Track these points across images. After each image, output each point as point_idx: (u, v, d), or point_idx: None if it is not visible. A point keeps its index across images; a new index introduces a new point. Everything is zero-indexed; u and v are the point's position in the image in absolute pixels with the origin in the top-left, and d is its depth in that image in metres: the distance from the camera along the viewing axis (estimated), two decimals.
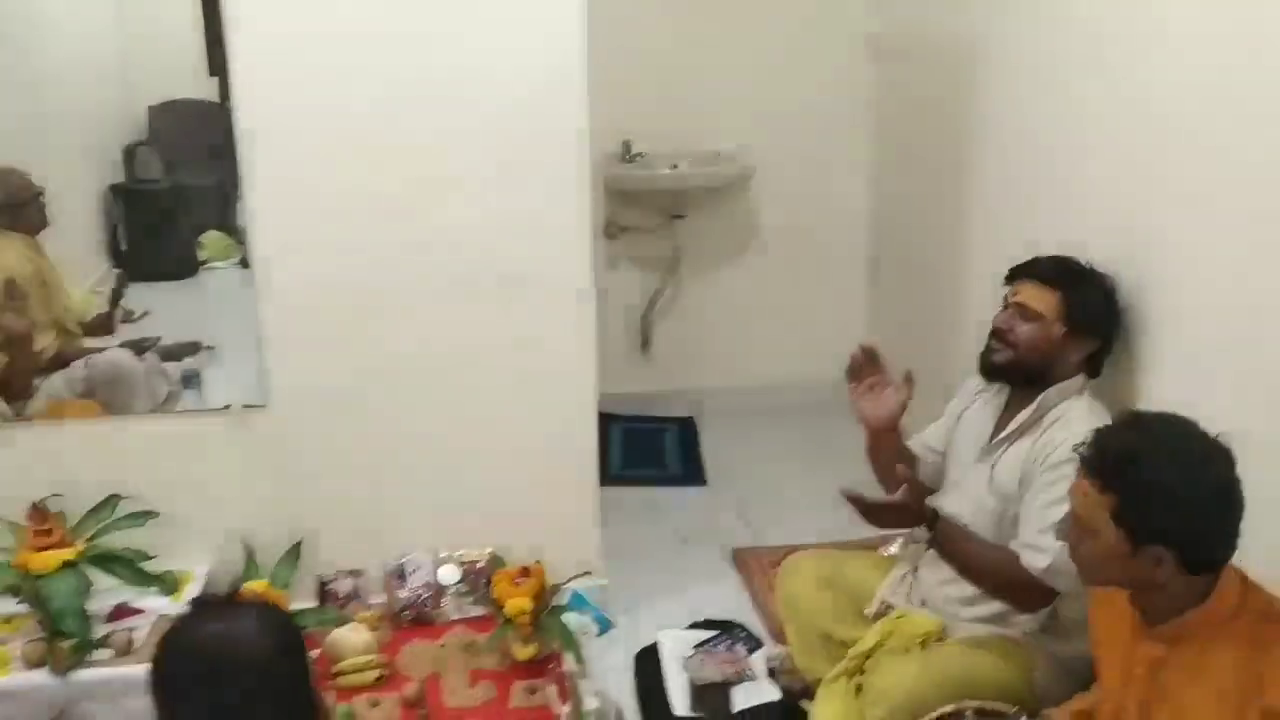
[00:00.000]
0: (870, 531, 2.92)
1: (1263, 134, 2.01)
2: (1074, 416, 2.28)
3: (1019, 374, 2.38)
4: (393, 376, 2.84)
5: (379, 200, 2.72)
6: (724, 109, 4.20)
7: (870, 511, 2.35)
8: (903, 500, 2.30)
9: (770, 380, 4.41)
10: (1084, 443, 1.77)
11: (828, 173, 4.30)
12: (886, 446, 2.55)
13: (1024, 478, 2.32)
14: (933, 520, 2.32)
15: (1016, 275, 2.41)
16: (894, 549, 2.73)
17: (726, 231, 4.37)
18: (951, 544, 2.37)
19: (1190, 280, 2.24)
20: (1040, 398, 2.34)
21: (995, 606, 2.38)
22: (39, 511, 2.56)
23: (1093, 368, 2.38)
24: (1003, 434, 2.40)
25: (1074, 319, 2.33)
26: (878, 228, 4.32)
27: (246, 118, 2.64)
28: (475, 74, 2.66)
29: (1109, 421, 2.01)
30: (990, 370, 2.43)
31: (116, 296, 2.95)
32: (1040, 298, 2.34)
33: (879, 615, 2.57)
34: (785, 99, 4.19)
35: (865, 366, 2.53)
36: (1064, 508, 2.16)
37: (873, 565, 2.75)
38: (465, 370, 2.86)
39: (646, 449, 4.17)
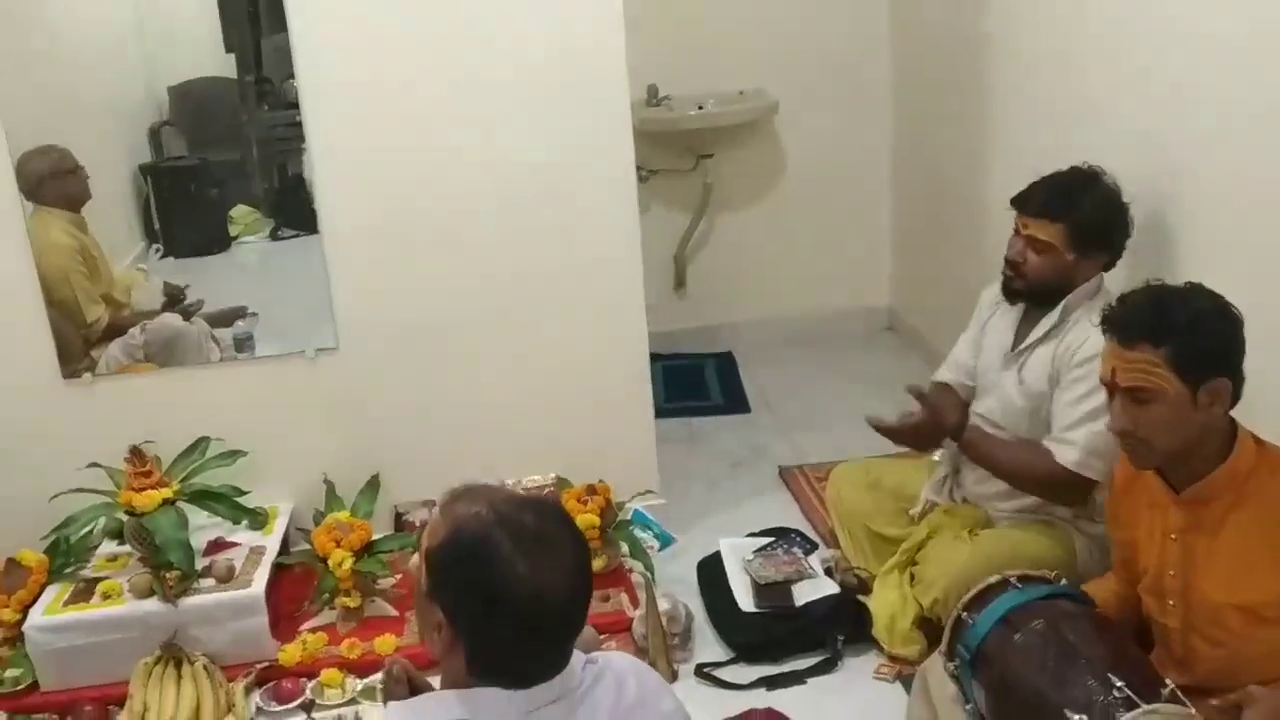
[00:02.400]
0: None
1: None
2: (1095, 316, 2.39)
3: (1038, 298, 2.49)
4: (454, 314, 2.99)
5: (434, 145, 2.87)
6: (747, 48, 4.31)
7: (894, 434, 2.54)
8: (920, 419, 2.47)
9: (803, 311, 4.55)
10: (1108, 318, 1.88)
11: (850, 105, 4.41)
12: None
13: (1051, 377, 2.45)
14: (958, 433, 2.47)
15: (1020, 206, 2.49)
16: (937, 455, 2.88)
17: (754, 168, 4.49)
18: (979, 451, 2.53)
19: (1212, 196, 2.34)
20: (1062, 305, 2.45)
21: (1030, 499, 2.53)
22: (138, 454, 2.74)
23: (1108, 265, 2.48)
24: (1026, 341, 2.52)
25: (1082, 243, 2.41)
26: (901, 156, 4.43)
27: (307, 72, 2.78)
28: (522, 20, 2.80)
29: None
30: (1012, 296, 2.55)
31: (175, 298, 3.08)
32: (1046, 230, 2.42)
33: (923, 514, 2.74)
34: (806, 35, 4.30)
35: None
36: (1091, 402, 2.32)
37: (914, 469, 2.92)
38: (523, 305, 3.01)
39: (688, 383, 4.31)
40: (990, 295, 2.68)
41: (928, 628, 2.52)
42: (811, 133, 4.43)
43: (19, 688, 2.64)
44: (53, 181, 2.87)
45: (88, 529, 2.81)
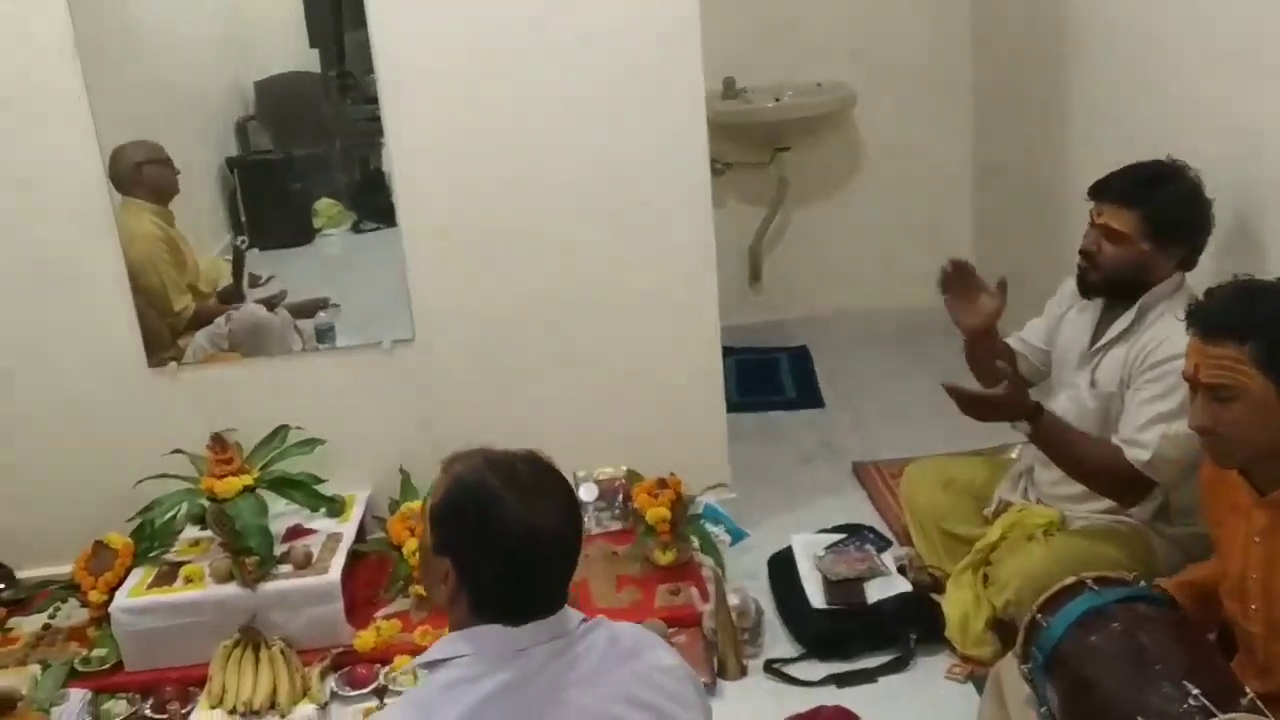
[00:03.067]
0: (985, 442, 3.05)
1: None
2: (1172, 316, 2.27)
3: (1113, 291, 2.43)
4: (528, 307, 3.02)
5: (510, 139, 2.89)
6: (825, 40, 4.28)
7: (970, 403, 2.41)
8: (1002, 393, 2.35)
9: (880, 305, 4.49)
10: (1193, 311, 1.82)
11: (929, 97, 4.35)
12: (983, 350, 2.64)
13: (1125, 378, 2.38)
14: (1035, 414, 2.39)
15: (1097, 194, 2.42)
16: (1014, 454, 2.83)
17: (831, 161, 4.45)
18: (1053, 437, 2.42)
19: None
20: (1139, 304, 2.38)
21: (1107, 502, 2.47)
22: (219, 441, 2.80)
23: (1187, 264, 2.40)
24: (1102, 340, 2.45)
25: (1158, 234, 2.33)
26: (981, 148, 4.36)
27: (386, 69, 2.83)
28: (599, 13, 2.82)
29: None
30: (1086, 290, 2.49)
31: (238, 267, 3.13)
32: (1121, 218, 2.35)
33: (998, 513, 2.69)
34: (886, 25, 4.26)
35: (955, 278, 2.63)
36: (1165, 404, 2.25)
37: (989, 467, 2.87)
38: (596, 298, 3.03)
39: (762, 377, 4.29)
40: (1069, 287, 2.62)
41: (1001, 629, 2.48)
42: (890, 125, 4.38)
43: (104, 667, 2.73)
44: (142, 174, 2.95)
45: (171, 514, 2.89)
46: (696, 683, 1.56)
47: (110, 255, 2.92)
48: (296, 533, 2.91)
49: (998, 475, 2.79)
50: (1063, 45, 3.42)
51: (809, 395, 4.12)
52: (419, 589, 2.81)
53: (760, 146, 4.38)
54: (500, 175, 2.92)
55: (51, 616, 2.95)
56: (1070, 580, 2.07)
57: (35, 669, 2.72)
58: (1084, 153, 3.32)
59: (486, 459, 1.48)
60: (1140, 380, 2.34)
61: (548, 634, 1.44)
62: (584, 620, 1.50)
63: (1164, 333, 2.30)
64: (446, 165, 2.90)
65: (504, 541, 1.41)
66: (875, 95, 4.28)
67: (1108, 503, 2.48)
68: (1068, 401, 2.53)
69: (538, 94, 2.87)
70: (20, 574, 3.09)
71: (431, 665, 1.45)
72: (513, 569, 1.42)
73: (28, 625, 2.96)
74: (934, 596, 2.67)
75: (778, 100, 4.25)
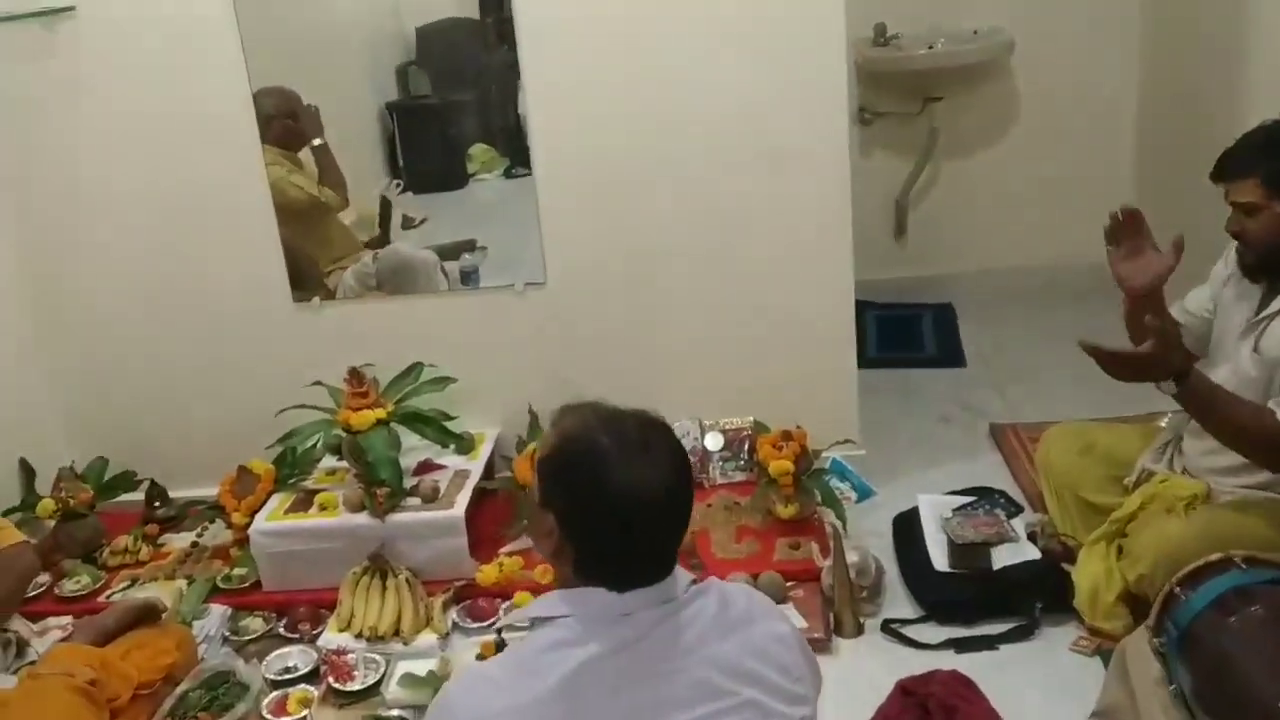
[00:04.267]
0: (1133, 409, 2.90)
1: None
2: None
3: (1273, 266, 2.29)
4: (660, 254, 3.01)
5: (646, 82, 2.87)
6: None
7: (1111, 362, 2.24)
8: (1148, 350, 2.20)
9: (1031, 263, 4.32)
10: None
11: (1093, 45, 4.13)
12: (1141, 310, 2.41)
13: None
14: (1184, 373, 2.23)
15: (1218, 176, 2.31)
16: (1164, 422, 2.69)
17: (985, 112, 4.28)
18: (1200, 398, 2.25)
19: None
20: None
21: (1261, 476, 2.32)
22: (356, 375, 2.89)
23: None
24: (1266, 310, 2.32)
25: None
26: (1148, 101, 4.13)
27: (522, 9, 2.84)
28: None
29: None
30: (1248, 272, 2.35)
31: (385, 215, 3.19)
32: (1244, 189, 2.24)
33: (1139, 483, 2.56)
34: None
35: (1126, 229, 2.44)
36: None
37: (1133, 435, 2.73)
38: (728, 246, 2.99)
39: (902, 333, 4.20)
40: (1234, 254, 2.46)
41: (1133, 603, 2.38)
42: (1050, 74, 4.18)
43: (244, 585, 2.87)
44: (274, 122, 3.03)
45: (310, 444, 3.00)
46: (808, 652, 1.51)
47: (260, 192, 3.02)
48: (426, 467, 2.99)
49: (1142, 444, 2.65)
50: None
51: (951, 354, 4.01)
52: None
53: (911, 96, 4.24)
54: (634, 120, 2.90)
55: (199, 535, 3.12)
56: (1216, 556, 1.99)
57: (181, 583, 2.89)
58: (1266, 101, 3.10)
59: (597, 414, 1.43)
60: None
61: (654, 599, 1.39)
62: (694, 582, 1.45)
63: None
64: (581, 108, 2.90)
65: (609, 504, 1.37)
66: (1035, 43, 4.08)
67: (1260, 476, 2.33)
68: (1229, 374, 2.38)
69: (673, 35, 2.83)
70: (173, 494, 3.26)
71: (535, 622, 1.43)
72: (617, 533, 1.38)
73: (178, 542, 3.13)
74: (1064, 566, 2.57)
75: (930, 48, 4.10)
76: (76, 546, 3.06)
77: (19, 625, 2.48)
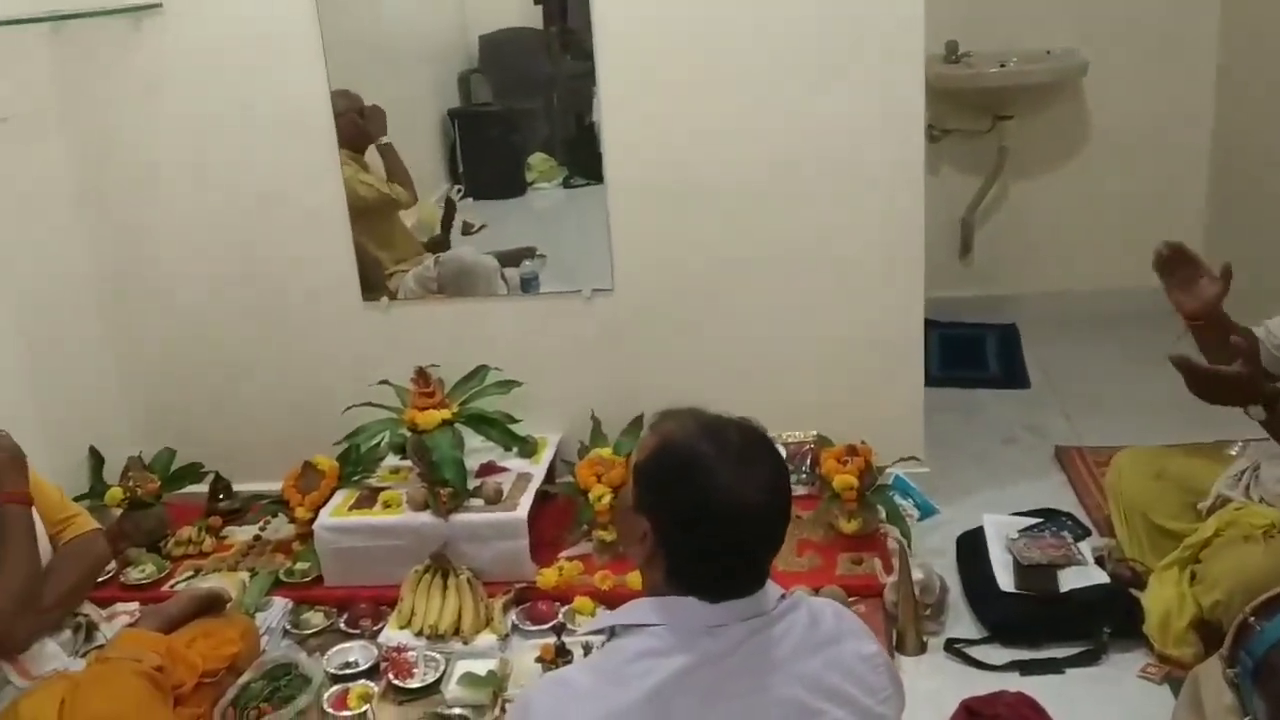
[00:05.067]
0: (1200, 436, 2.85)
1: None
2: None
3: None
4: (728, 265, 3.00)
5: (722, 96, 2.87)
6: (1057, 4, 4.08)
7: (1202, 380, 2.24)
8: (1238, 371, 2.18)
9: (1098, 286, 4.27)
10: None
11: (1168, 68, 4.09)
12: (1212, 336, 2.47)
13: None
14: (1274, 398, 2.20)
15: None
16: (1234, 450, 2.64)
17: (1056, 132, 4.25)
18: None
19: None
20: None
21: None
22: (422, 375, 2.90)
23: None
24: None
25: None
26: (1224, 127, 4.07)
27: (601, 21, 2.85)
28: None
29: None
30: None
31: (448, 218, 3.22)
32: None
33: (1213, 509, 2.52)
34: None
35: (1174, 262, 2.47)
36: None
37: (1207, 460, 2.68)
38: (797, 259, 2.98)
39: (966, 353, 4.16)
40: None
41: (1205, 631, 2.33)
42: (1123, 96, 4.14)
43: (306, 580, 2.89)
44: (341, 121, 3.05)
45: (375, 442, 3.02)
46: (893, 672, 1.47)
47: (335, 191, 3.06)
48: (489, 469, 3.00)
49: (1214, 471, 2.61)
50: None
51: (1014, 375, 3.97)
52: (602, 534, 2.85)
53: (981, 114, 4.22)
54: (707, 131, 2.90)
55: (262, 529, 3.16)
56: None
57: (244, 575, 2.91)
58: None
59: (700, 422, 1.40)
60: None
61: (746, 611, 1.37)
62: (783, 596, 1.43)
63: None
64: (656, 121, 2.91)
65: (708, 514, 1.34)
66: (1109, 65, 4.05)
67: None
68: None
69: (751, 50, 2.83)
70: (237, 487, 3.30)
71: (624, 630, 1.41)
72: (714, 544, 1.35)
73: (240, 535, 3.16)
74: (1132, 591, 2.53)
75: (1002, 66, 4.07)
76: (142, 535, 3.10)
77: (89, 609, 2.51)
